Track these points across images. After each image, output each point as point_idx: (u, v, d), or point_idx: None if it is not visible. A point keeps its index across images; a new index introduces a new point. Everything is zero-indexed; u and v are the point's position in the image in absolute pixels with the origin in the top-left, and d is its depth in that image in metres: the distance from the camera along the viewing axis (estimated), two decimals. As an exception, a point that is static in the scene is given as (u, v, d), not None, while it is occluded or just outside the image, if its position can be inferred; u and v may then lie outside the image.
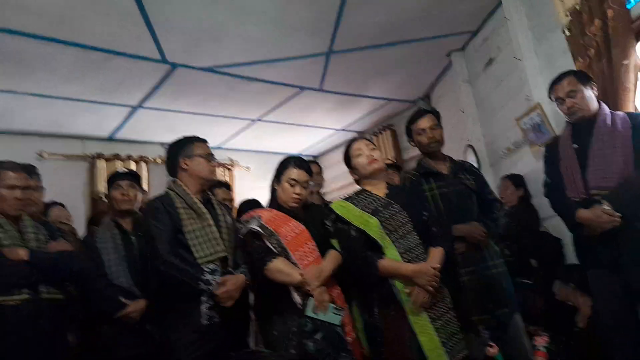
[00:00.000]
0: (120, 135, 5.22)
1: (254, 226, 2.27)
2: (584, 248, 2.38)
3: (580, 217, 2.23)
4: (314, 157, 7.12)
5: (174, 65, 3.88)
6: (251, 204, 3.29)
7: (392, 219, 2.17)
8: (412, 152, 5.91)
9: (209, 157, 2.38)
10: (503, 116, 4.07)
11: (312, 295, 2.10)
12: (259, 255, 2.21)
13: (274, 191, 2.44)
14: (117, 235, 2.68)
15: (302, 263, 2.20)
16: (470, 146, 4.64)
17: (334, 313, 2.12)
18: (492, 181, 4.02)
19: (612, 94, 2.57)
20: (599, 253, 2.25)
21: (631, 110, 2.50)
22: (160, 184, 4.99)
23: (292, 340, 2.08)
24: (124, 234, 2.72)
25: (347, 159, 2.41)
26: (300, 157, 2.49)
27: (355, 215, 2.20)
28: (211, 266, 2.14)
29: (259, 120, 5.46)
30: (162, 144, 5.58)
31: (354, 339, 2.20)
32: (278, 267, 2.16)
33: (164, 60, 3.76)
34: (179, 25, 3.35)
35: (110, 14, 3.09)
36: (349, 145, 2.43)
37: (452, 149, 2.86)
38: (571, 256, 3.04)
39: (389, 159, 5.49)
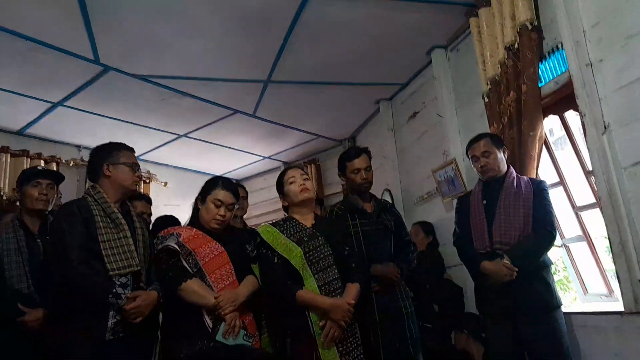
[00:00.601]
0: (33, 131, 4.84)
1: (172, 243, 2.21)
2: (483, 297, 2.57)
3: (483, 268, 2.43)
4: (237, 181, 7.07)
5: (106, 68, 3.73)
6: (168, 221, 3.20)
7: (315, 251, 2.22)
8: (333, 189, 6.09)
9: (135, 167, 2.31)
10: (420, 167, 4.35)
11: (224, 320, 2.08)
12: (174, 273, 2.16)
13: (196, 210, 2.40)
14: (22, 237, 2.48)
15: (217, 286, 2.18)
16: (388, 190, 4.88)
17: (244, 340, 2.11)
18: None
19: (518, 160, 2.86)
20: (495, 303, 2.45)
21: (534, 176, 2.79)
22: (70, 189, 4.69)
23: (199, 363, 2.03)
24: (30, 236, 2.53)
25: (280, 185, 2.45)
26: (229, 179, 2.49)
27: (280, 243, 2.23)
28: (123, 279, 2.05)
29: (186, 136, 5.36)
30: (78, 147, 5.28)
31: (262, 367, 2.19)
32: (193, 288, 2.11)
33: (96, 61, 3.60)
34: (119, 29, 3.25)
35: (47, 2, 2.93)
36: (283, 171, 2.48)
37: (371, 191, 3.04)
38: (471, 304, 3.26)
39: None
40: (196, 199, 2.43)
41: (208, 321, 2.10)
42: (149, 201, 3.36)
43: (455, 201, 3.25)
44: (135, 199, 3.13)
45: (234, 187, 2.44)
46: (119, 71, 3.79)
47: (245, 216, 3.52)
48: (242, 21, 3.29)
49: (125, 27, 3.24)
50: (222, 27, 3.36)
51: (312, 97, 4.64)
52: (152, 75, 3.94)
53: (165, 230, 2.34)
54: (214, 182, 2.40)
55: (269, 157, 6.38)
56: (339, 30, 3.50)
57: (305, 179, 2.39)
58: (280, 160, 6.58)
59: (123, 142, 2.37)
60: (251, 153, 6.16)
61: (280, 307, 2.21)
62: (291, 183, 2.38)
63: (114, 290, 1.98)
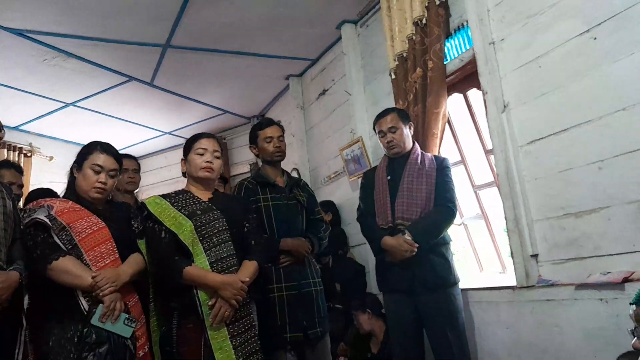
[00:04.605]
0: None
1: (41, 216, 1.91)
2: (383, 273, 2.54)
3: (385, 244, 2.39)
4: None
5: (-31, 17, 3.20)
6: (44, 194, 2.82)
7: (208, 225, 2.02)
8: (240, 169, 5.87)
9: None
10: (328, 145, 4.28)
11: (102, 302, 1.83)
12: (42, 251, 1.86)
13: (72, 179, 2.11)
14: None
15: (96, 265, 1.91)
16: (296, 170, 4.77)
17: (126, 324, 1.89)
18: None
19: (422, 137, 2.85)
20: (396, 279, 2.43)
21: (436, 153, 2.80)
22: None
23: (70, 351, 1.77)
24: None
25: (187, 149, 2.22)
26: (109, 143, 2.21)
27: (169, 215, 2.01)
28: (-24, 259, 1.72)
29: (74, 105, 4.82)
30: None
31: (146, 353, 1.97)
32: (66, 266, 1.84)
33: (-45, 6, 3.07)
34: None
35: None
36: (196, 136, 2.24)
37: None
38: (372, 283, 3.25)
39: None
40: (72, 168, 2.13)
41: (84, 303, 1.84)
42: (19, 170, 2.93)
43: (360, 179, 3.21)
44: (3, 167, 2.73)
45: (115, 151, 2.17)
46: (-13, 22, 3.27)
47: (142, 198, 3.24)
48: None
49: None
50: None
51: (216, 67, 4.35)
52: (28, 30, 3.44)
53: (35, 202, 2.03)
54: (91, 146, 2.13)
55: (170, 133, 5.97)
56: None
57: (216, 156, 2.18)
58: (184, 137, 6.19)
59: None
60: (150, 127, 5.71)
61: (167, 286, 2.00)
62: (199, 155, 2.16)
63: (-37, 272, 1.65)
